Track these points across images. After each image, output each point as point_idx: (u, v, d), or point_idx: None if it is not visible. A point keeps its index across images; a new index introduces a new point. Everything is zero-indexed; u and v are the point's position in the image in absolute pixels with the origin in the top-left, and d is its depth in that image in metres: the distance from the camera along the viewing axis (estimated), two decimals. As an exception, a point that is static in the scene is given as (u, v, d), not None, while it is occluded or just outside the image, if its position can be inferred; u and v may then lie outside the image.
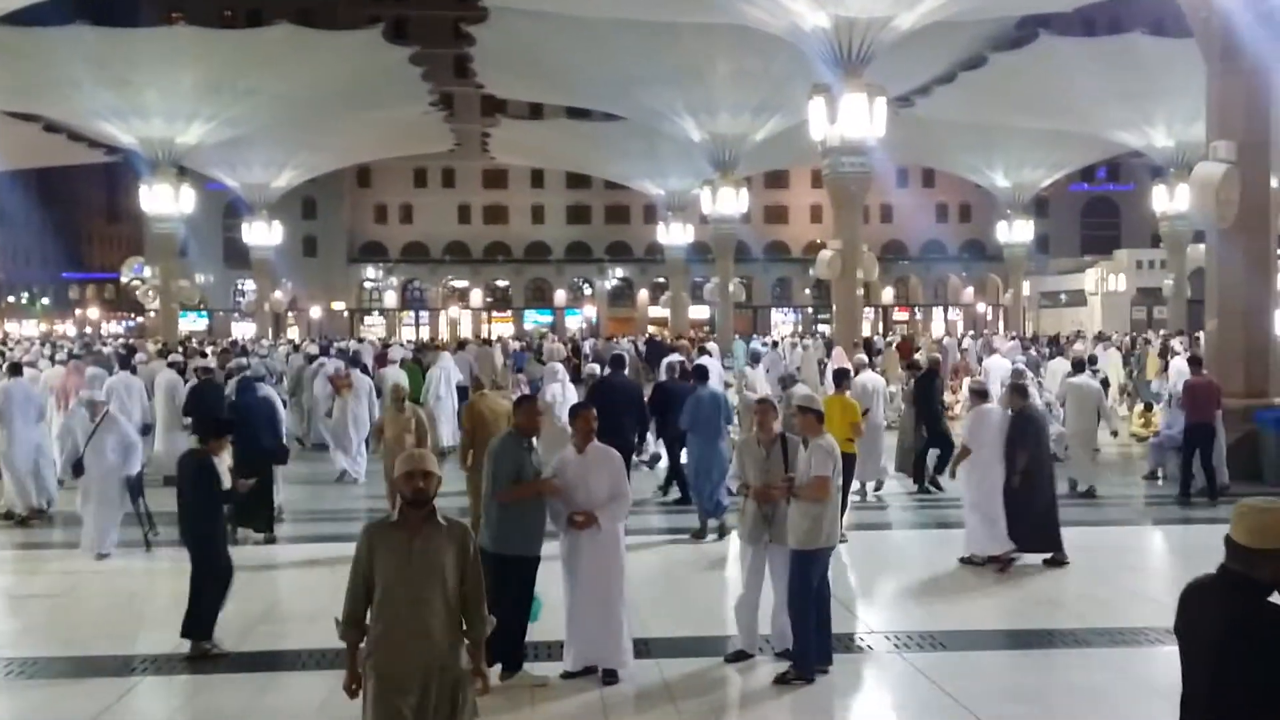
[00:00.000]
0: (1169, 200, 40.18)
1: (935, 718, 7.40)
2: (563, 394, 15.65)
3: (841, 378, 14.54)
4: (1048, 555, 11.57)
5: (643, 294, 79.81)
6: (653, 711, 7.50)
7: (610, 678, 7.94)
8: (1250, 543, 3.65)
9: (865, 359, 19.45)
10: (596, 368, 19.28)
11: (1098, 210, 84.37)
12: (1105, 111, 38.72)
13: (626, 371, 16.62)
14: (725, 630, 8.74)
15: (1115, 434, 20.11)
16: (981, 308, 77.03)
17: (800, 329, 62.63)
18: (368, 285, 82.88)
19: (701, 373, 14.79)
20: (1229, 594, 3.69)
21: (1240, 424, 17.23)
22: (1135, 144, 41.16)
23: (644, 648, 8.46)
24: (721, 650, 8.54)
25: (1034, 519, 11.38)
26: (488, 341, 38.53)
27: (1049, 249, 76.12)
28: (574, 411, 8.37)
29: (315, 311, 75.17)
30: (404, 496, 5.20)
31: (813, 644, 8.02)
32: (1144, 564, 12.74)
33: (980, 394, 12.13)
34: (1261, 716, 3.62)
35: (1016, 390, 11.89)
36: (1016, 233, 52.23)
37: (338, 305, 79.31)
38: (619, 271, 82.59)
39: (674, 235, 49.73)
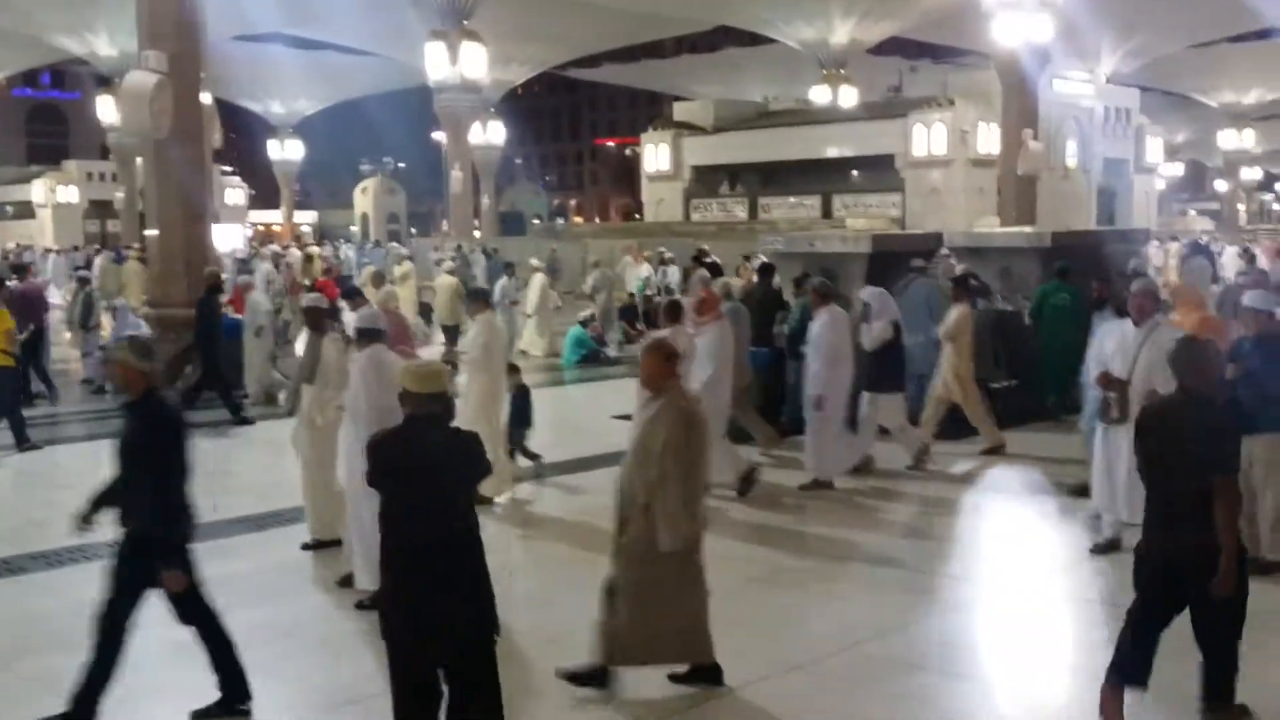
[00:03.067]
0: (115, 111, 39.46)
1: None
2: None
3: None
4: None
5: None
6: None
7: None
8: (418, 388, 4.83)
9: None
10: None
11: (45, 117, 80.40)
12: (47, 13, 36.57)
13: None
14: None
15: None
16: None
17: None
18: None
19: None
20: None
21: (186, 333, 17.52)
22: (78, 51, 39.66)
23: None
24: None
25: None
26: None
27: (-5, 157, 70.64)
28: None
29: None
30: None
31: None
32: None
33: None
34: None
35: None
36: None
37: None
38: None
39: None
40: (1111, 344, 7.81)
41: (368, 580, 7.07)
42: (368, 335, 7.56)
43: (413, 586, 4.66)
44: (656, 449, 5.54)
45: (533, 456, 11.12)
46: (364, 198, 60.90)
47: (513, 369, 11.13)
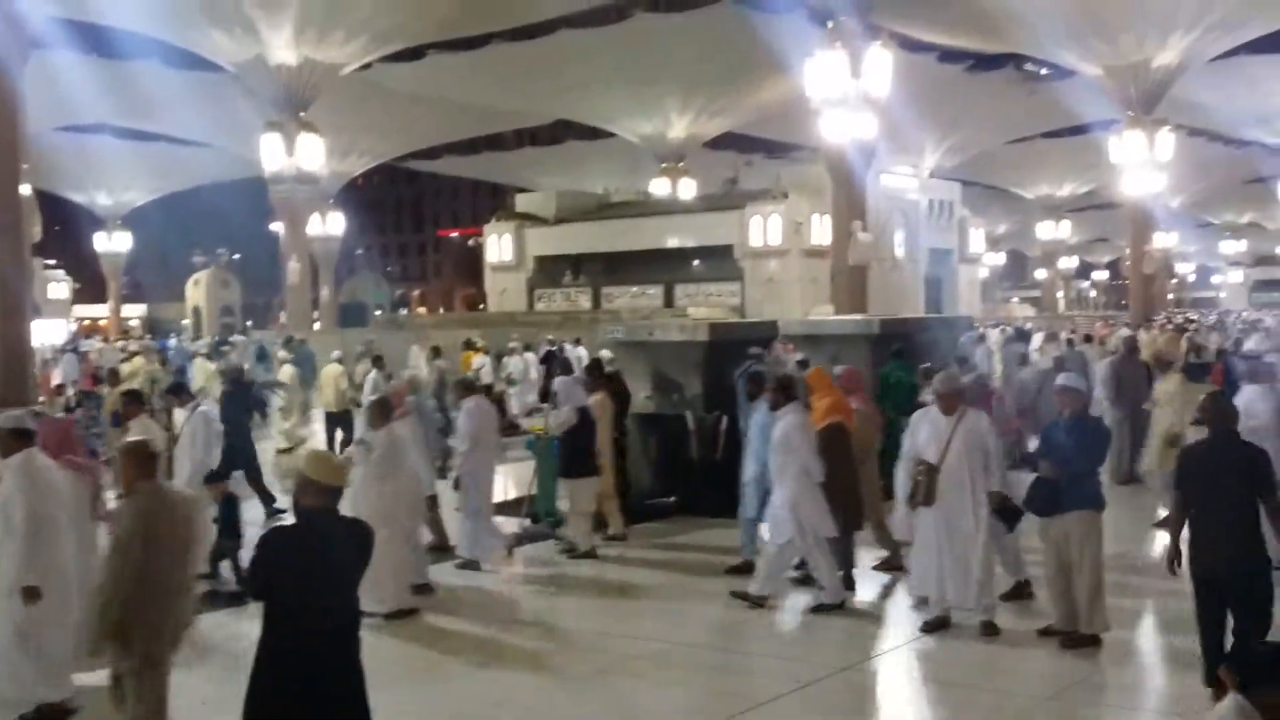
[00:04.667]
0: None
1: None
2: None
3: None
4: None
5: None
6: None
7: None
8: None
9: None
10: None
11: None
12: None
13: None
14: None
15: None
16: None
17: None
18: None
19: None
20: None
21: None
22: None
23: None
24: None
25: None
26: None
27: None
28: None
29: None
30: None
31: None
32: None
33: None
34: None
35: None
36: None
37: None
38: None
39: None
40: (924, 433, 8.09)
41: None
42: (17, 437, 6.81)
43: (297, 684, 4.60)
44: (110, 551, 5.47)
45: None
46: (196, 290, 59.30)
47: (217, 476, 10.01)
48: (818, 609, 8.80)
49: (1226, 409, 6.82)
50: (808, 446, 8.77)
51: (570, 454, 10.95)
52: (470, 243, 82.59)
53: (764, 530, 9.19)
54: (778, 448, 8.85)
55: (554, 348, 24.23)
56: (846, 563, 9.29)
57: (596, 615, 9.11)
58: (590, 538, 11.02)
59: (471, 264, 74.71)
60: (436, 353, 21.55)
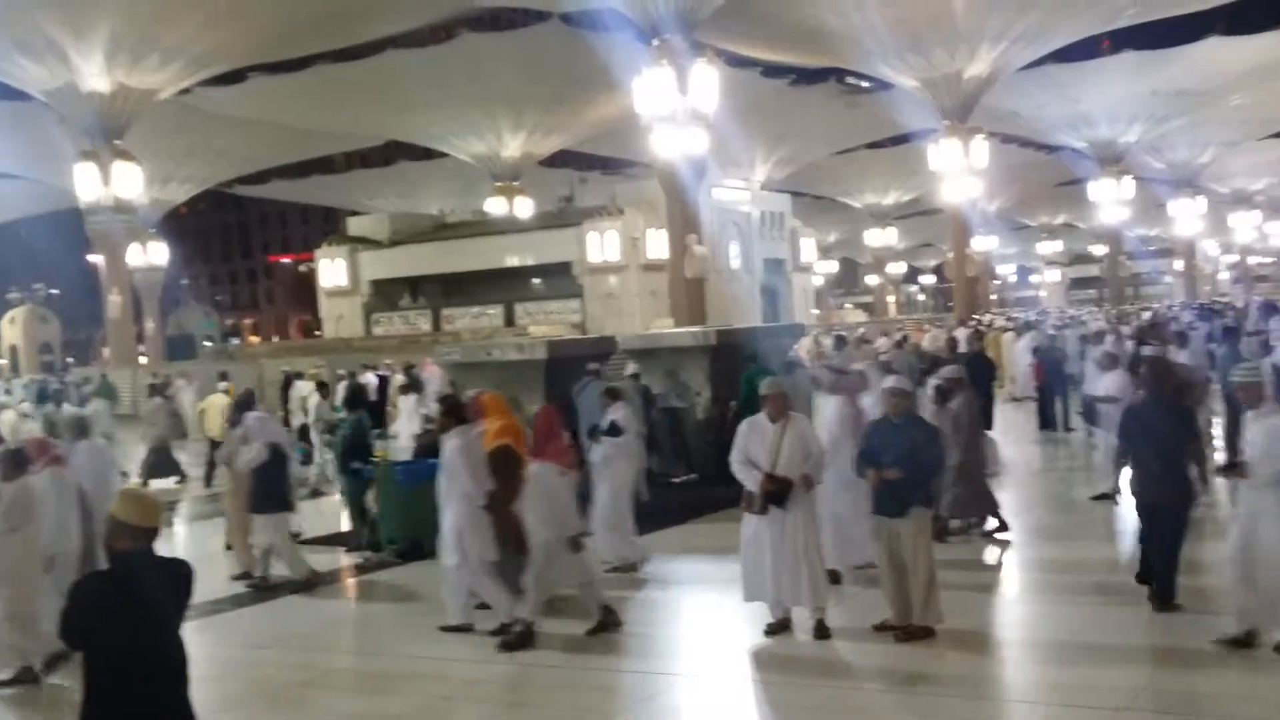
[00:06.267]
0: None
1: None
2: None
3: None
4: None
5: None
6: None
7: None
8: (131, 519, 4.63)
9: None
10: None
11: None
12: None
13: None
14: None
15: None
16: None
17: None
18: None
19: None
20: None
21: None
22: None
23: None
24: None
25: None
26: None
27: None
28: None
29: None
30: None
31: None
32: None
33: None
34: None
35: None
36: None
37: None
38: None
39: None
40: (756, 442, 8.14)
41: None
42: None
43: None
44: None
45: None
46: (12, 328, 56.51)
47: None
48: (498, 631, 8.56)
49: (1159, 375, 8.78)
50: (469, 470, 8.63)
51: (258, 489, 10.76)
52: (303, 268, 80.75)
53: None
54: (444, 471, 8.75)
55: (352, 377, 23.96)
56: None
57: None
58: (303, 566, 10.77)
59: (305, 290, 73.09)
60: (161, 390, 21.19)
